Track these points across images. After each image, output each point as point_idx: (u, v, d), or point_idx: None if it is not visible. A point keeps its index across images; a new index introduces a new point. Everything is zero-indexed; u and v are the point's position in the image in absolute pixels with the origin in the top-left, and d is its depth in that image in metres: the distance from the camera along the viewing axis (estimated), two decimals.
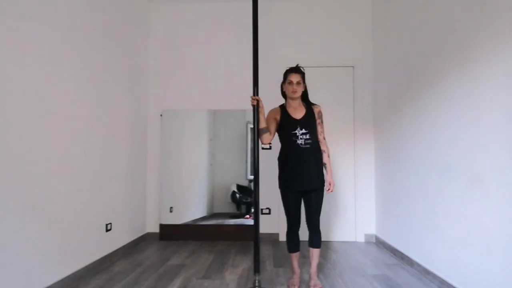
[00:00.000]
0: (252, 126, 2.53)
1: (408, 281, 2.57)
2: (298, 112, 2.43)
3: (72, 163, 2.54)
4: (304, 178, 2.33)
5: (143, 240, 3.81)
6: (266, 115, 2.47)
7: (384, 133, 3.56)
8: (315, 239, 2.42)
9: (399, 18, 3.21)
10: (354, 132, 3.87)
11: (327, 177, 2.43)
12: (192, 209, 4.05)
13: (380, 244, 3.59)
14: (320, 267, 2.84)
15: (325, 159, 2.44)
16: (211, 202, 4.09)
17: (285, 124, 2.40)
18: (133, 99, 3.62)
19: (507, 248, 1.82)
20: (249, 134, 3.99)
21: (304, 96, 2.50)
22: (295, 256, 2.46)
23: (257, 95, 2.42)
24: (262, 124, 2.40)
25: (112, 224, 3.13)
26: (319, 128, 2.46)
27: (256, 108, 2.39)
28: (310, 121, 2.41)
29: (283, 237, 3.62)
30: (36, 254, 2.15)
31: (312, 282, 2.40)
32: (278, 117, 2.44)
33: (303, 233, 2.45)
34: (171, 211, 3.93)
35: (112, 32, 3.17)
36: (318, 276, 2.56)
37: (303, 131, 2.36)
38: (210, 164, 4.09)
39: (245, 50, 3.65)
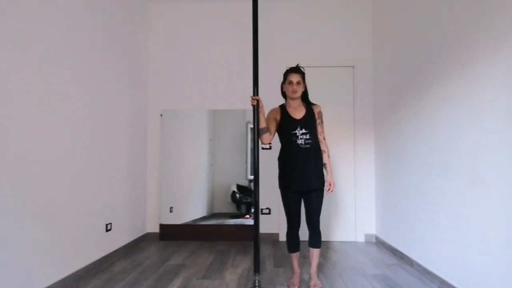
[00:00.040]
0: (252, 126, 2.53)
1: (408, 281, 2.57)
2: (298, 112, 2.43)
3: (72, 163, 2.54)
4: (304, 178, 2.33)
5: (143, 240, 3.81)
6: (266, 115, 2.47)
7: (384, 133, 3.56)
8: (315, 239, 2.42)
9: (399, 18, 3.21)
10: (354, 132, 3.87)
11: (327, 177, 2.43)
12: (192, 209, 4.05)
13: (380, 244, 3.59)
14: (320, 267, 2.84)
15: (325, 159, 2.44)
16: (211, 202, 4.09)
17: (285, 124, 2.40)
18: (133, 99, 3.62)
19: (507, 248, 1.82)
20: (249, 134, 3.99)
21: (304, 96, 2.50)
22: (295, 256, 2.46)
23: (257, 95, 2.42)
24: (262, 124, 2.40)
25: (112, 224, 3.13)
26: (319, 128, 2.46)
27: (256, 108, 2.39)
28: (310, 121, 2.41)
29: (283, 237, 3.62)
30: (36, 254, 2.15)
31: (312, 282, 2.40)
32: (278, 117, 2.44)
33: (303, 233, 2.45)
34: (171, 211, 3.93)
35: (112, 32, 3.17)
36: (318, 276, 2.56)
37: (303, 131, 2.36)
38: (210, 164, 4.09)
39: (245, 50, 3.65)
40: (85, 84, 2.72)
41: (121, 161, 3.34)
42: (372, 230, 3.80)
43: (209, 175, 4.09)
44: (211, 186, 4.09)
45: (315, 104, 2.51)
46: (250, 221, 3.88)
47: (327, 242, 3.70)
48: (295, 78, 2.39)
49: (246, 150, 4.02)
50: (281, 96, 2.57)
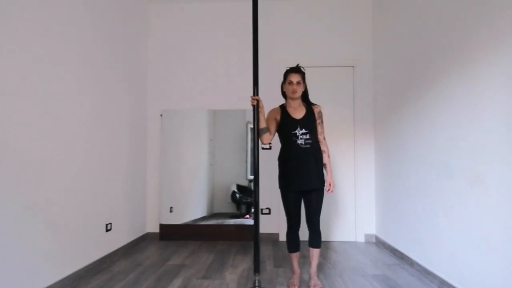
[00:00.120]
0: (252, 126, 2.53)
1: (408, 281, 2.57)
2: (298, 112, 2.43)
3: (72, 163, 2.54)
4: (304, 178, 2.33)
5: (143, 240, 3.81)
6: (266, 115, 2.47)
7: (384, 133, 3.56)
8: (315, 239, 2.42)
9: (399, 18, 3.21)
10: (354, 132, 3.87)
11: (327, 177, 2.43)
12: (192, 209, 4.05)
13: (380, 244, 3.59)
14: (320, 267, 2.84)
15: (325, 159, 2.44)
16: (211, 202, 4.09)
17: (285, 124, 2.40)
18: (133, 99, 3.62)
19: (507, 248, 1.82)
20: (249, 134, 3.99)
21: (304, 96, 2.50)
22: (295, 256, 2.46)
23: (257, 95, 2.42)
24: (262, 124, 2.40)
25: (112, 224, 3.13)
26: (319, 128, 2.46)
27: (256, 108, 2.39)
28: (310, 121, 2.41)
29: (283, 237, 3.62)
30: (36, 254, 2.15)
31: (312, 282, 2.40)
32: (278, 117, 2.44)
33: (303, 233, 2.45)
34: (171, 211, 3.93)
35: (112, 32, 3.17)
36: (318, 276, 2.56)
37: (303, 131, 2.36)
38: (210, 164, 4.09)
39: (245, 50, 3.65)
40: (85, 84, 2.72)
41: (121, 161, 3.34)
42: (372, 230, 3.80)
43: (209, 175, 4.09)
44: (211, 186, 4.09)
45: (315, 104, 2.51)
46: (250, 221, 3.88)
47: (327, 242, 3.71)
48: (295, 78, 2.39)
49: (246, 150, 4.02)
50: (281, 96, 2.57)
